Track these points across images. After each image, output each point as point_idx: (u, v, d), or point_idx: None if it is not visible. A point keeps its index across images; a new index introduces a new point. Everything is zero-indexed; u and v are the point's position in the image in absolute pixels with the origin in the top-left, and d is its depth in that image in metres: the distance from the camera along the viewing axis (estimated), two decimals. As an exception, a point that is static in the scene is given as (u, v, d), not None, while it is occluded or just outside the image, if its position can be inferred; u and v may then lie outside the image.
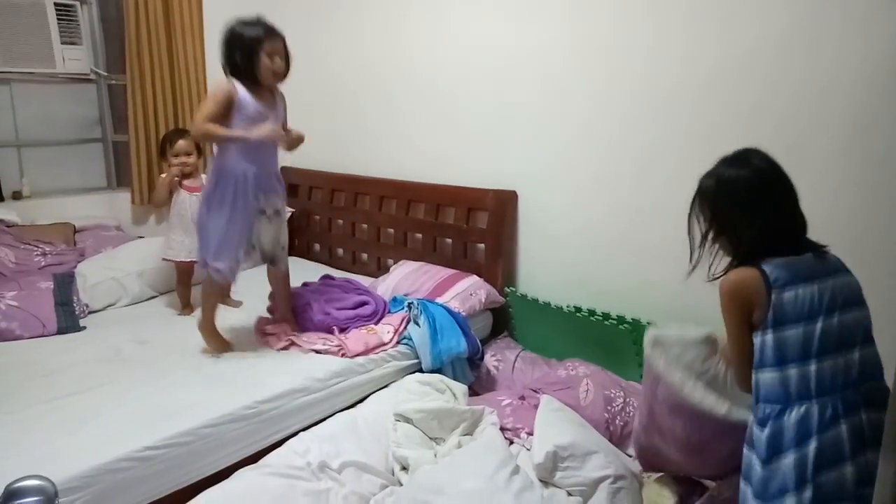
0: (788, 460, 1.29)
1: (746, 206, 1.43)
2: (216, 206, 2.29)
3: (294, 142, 2.41)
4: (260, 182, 2.34)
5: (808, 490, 1.26)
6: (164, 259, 2.93)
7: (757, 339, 1.39)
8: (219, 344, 2.43)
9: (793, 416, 1.31)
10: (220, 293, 2.50)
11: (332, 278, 3.09)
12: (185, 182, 2.85)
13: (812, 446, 1.27)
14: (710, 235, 1.49)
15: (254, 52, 2.20)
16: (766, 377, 1.37)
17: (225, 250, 2.32)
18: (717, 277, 1.46)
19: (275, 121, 2.30)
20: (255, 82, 2.25)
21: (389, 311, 2.80)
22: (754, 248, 1.42)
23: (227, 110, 2.20)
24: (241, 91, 2.22)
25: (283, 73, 2.31)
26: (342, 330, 2.58)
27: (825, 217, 1.61)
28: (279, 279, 2.63)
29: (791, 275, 1.36)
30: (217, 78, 2.25)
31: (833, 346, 1.34)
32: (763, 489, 1.32)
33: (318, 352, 2.43)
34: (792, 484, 1.27)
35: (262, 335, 2.58)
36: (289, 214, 3.81)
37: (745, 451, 1.41)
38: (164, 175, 2.85)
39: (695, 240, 1.52)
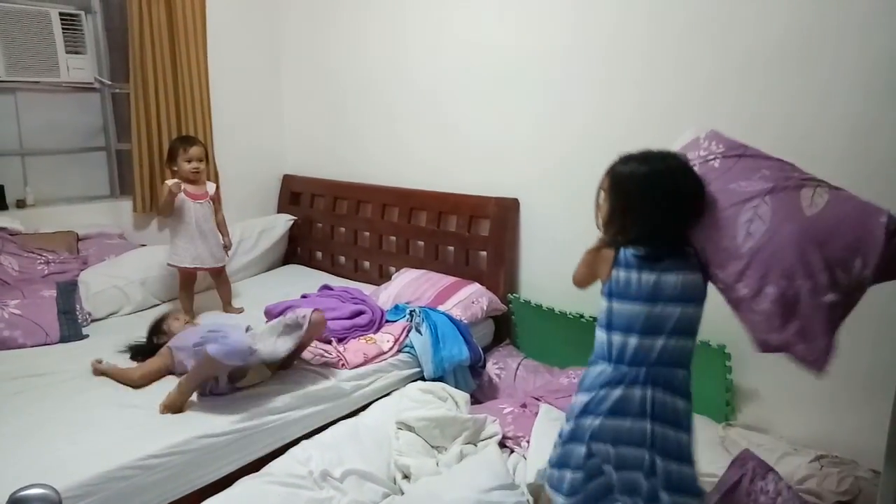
0: (580, 398, 1.59)
1: (647, 204, 1.51)
2: None
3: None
4: None
5: (572, 423, 1.60)
6: (168, 264, 2.94)
7: (601, 302, 1.59)
8: (180, 408, 2.09)
9: (594, 368, 1.59)
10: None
11: (329, 288, 3.09)
12: (190, 189, 2.85)
13: (592, 395, 1.56)
14: (609, 212, 1.58)
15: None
16: (597, 334, 1.61)
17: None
18: (596, 247, 1.62)
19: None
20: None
21: (388, 320, 2.80)
22: (633, 241, 1.53)
23: None
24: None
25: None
26: (340, 341, 2.58)
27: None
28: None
29: (636, 262, 1.52)
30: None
31: (646, 329, 1.51)
32: (570, 412, 1.64)
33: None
34: (572, 417, 1.61)
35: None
36: (291, 222, 3.84)
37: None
38: (167, 182, 2.85)
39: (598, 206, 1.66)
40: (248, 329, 2.47)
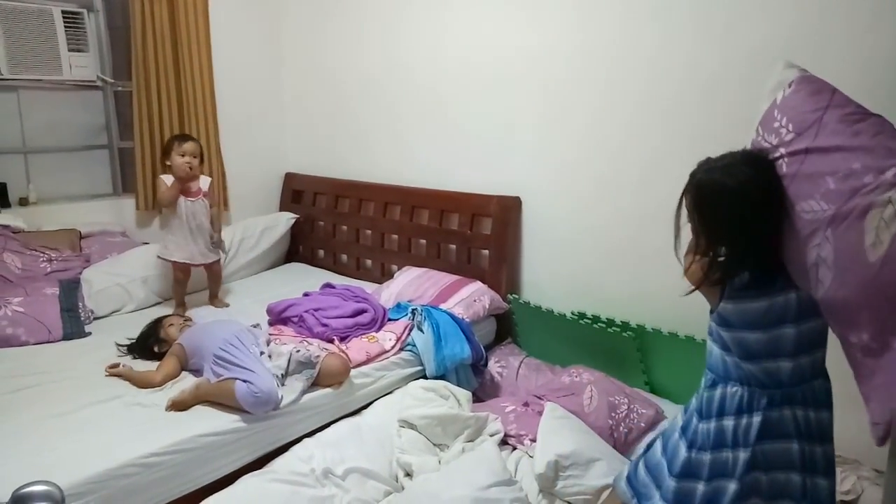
0: (729, 423, 1.45)
1: (747, 222, 1.34)
2: None
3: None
4: None
5: (748, 452, 1.42)
6: (158, 257, 2.97)
7: (716, 326, 1.49)
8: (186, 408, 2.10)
9: (727, 390, 1.47)
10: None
11: (332, 286, 3.09)
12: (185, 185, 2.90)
13: (732, 422, 1.45)
14: (697, 239, 1.42)
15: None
16: (717, 353, 1.50)
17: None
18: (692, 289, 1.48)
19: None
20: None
21: (390, 318, 2.80)
22: (732, 272, 1.38)
23: None
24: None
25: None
26: (342, 339, 2.58)
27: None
28: None
29: (744, 294, 1.40)
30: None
31: (773, 352, 1.40)
32: (704, 439, 1.49)
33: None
34: (730, 442, 1.45)
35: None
36: (293, 221, 3.84)
37: (701, 394, 1.55)
38: (164, 176, 2.89)
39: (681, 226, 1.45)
40: (256, 326, 2.53)
